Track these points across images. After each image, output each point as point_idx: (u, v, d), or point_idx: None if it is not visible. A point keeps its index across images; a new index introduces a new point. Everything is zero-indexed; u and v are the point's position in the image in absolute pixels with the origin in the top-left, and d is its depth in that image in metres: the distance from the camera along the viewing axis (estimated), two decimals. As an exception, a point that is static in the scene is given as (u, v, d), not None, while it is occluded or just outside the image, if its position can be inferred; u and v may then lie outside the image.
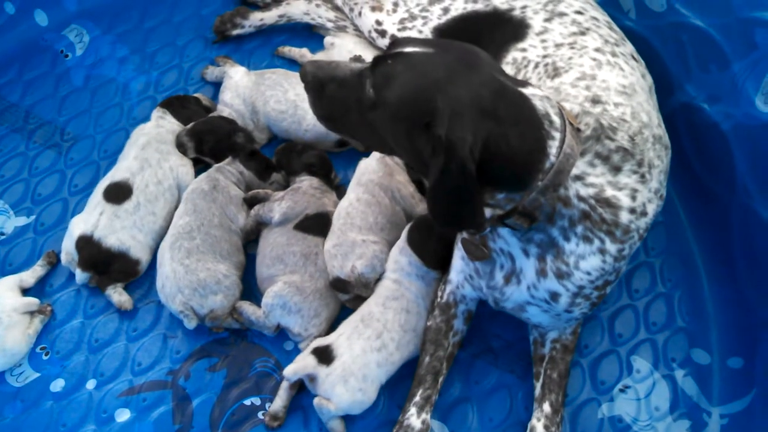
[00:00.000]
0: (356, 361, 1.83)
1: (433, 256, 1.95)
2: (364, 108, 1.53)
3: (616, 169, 1.62)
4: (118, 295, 2.05)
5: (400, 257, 1.96)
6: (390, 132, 1.51)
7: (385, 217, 2.06)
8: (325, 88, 1.58)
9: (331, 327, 1.98)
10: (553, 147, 1.45)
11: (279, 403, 1.88)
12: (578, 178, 1.57)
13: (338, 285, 1.99)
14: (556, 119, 1.47)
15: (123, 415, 1.94)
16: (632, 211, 1.63)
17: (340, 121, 1.62)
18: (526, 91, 1.48)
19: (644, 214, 1.66)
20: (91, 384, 1.98)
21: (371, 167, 2.12)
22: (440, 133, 1.37)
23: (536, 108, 1.46)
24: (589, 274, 1.64)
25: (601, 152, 1.62)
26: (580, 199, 1.56)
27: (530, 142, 1.44)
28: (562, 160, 1.45)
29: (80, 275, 2.04)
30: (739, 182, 2.06)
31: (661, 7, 2.22)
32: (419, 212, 2.10)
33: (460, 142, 1.36)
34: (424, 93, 1.41)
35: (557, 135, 1.46)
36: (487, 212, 1.52)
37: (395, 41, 1.53)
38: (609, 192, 1.60)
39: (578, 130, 1.55)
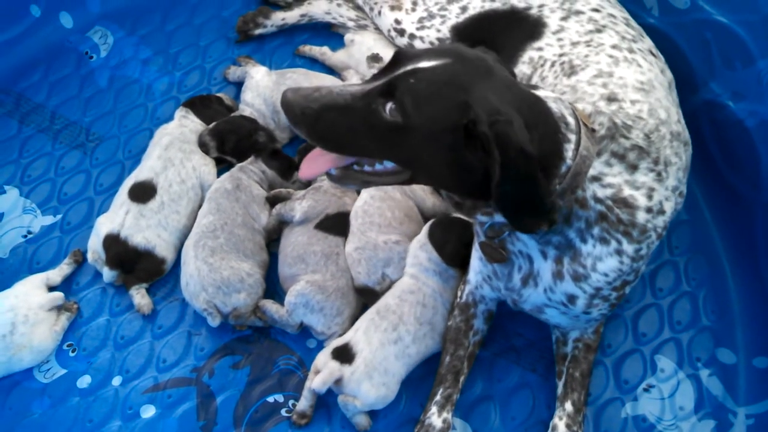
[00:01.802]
0: (376, 355, 1.83)
1: (453, 253, 1.95)
2: (383, 134, 1.40)
3: (633, 168, 1.60)
4: (140, 297, 2.07)
5: (420, 252, 1.96)
6: (427, 153, 1.41)
7: (401, 211, 2.06)
8: (322, 119, 1.40)
9: (353, 324, 1.98)
10: (569, 150, 1.44)
11: (305, 402, 1.89)
12: (595, 179, 1.55)
13: (366, 293, 2.00)
14: (571, 121, 1.45)
15: (148, 412, 1.96)
16: (649, 210, 1.60)
17: (352, 148, 1.45)
18: (540, 93, 1.46)
19: (662, 212, 1.64)
20: (116, 380, 2.01)
21: None
22: (483, 129, 1.33)
23: (552, 111, 1.44)
24: (606, 275, 1.62)
25: (617, 151, 1.59)
26: (597, 200, 1.55)
27: (548, 146, 1.42)
28: (579, 163, 1.43)
29: (108, 273, 2.07)
30: (764, 180, 2.04)
31: (685, 4, 2.20)
32: (429, 206, 2.10)
33: (509, 126, 1.32)
34: (457, 100, 1.35)
35: (573, 137, 1.44)
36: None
37: (398, 56, 1.44)
38: (626, 192, 1.58)
39: (593, 130, 1.53)
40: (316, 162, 1.51)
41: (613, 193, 1.57)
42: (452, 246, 1.95)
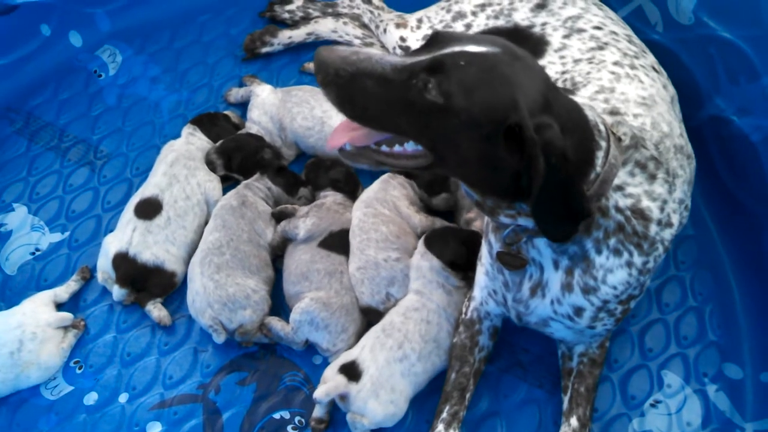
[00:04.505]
0: (383, 373, 1.83)
1: (454, 257, 1.96)
2: (418, 112, 1.34)
3: (652, 178, 1.60)
4: (157, 310, 2.08)
5: (422, 262, 1.96)
6: (459, 140, 1.35)
7: (395, 225, 2.07)
8: (355, 85, 1.34)
9: (358, 341, 1.98)
10: (599, 157, 1.44)
11: (320, 410, 1.89)
12: (619, 188, 1.55)
13: (370, 313, 2.01)
14: (603, 129, 1.46)
15: (154, 428, 1.97)
16: (659, 222, 1.61)
17: (380, 122, 1.40)
18: (577, 100, 1.46)
19: (669, 225, 1.64)
20: (123, 397, 2.01)
21: (373, 187, 2.16)
22: (530, 134, 1.29)
23: (588, 117, 1.44)
24: (615, 288, 1.61)
25: (640, 160, 1.59)
26: (618, 210, 1.54)
27: (583, 152, 1.41)
28: (607, 171, 1.44)
29: (118, 292, 2.08)
30: (770, 194, 2.04)
31: (689, 20, 2.21)
32: (415, 223, 2.10)
33: (554, 132, 1.31)
34: (506, 95, 1.31)
35: (603, 145, 1.45)
36: (531, 223, 1.49)
37: (439, 36, 1.39)
38: (644, 203, 1.58)
39: (619, 139, 1.54)
40: (346, 134, 1.46)
41: (633, 203, 1.56)
42: (451, 250, 1.96)
